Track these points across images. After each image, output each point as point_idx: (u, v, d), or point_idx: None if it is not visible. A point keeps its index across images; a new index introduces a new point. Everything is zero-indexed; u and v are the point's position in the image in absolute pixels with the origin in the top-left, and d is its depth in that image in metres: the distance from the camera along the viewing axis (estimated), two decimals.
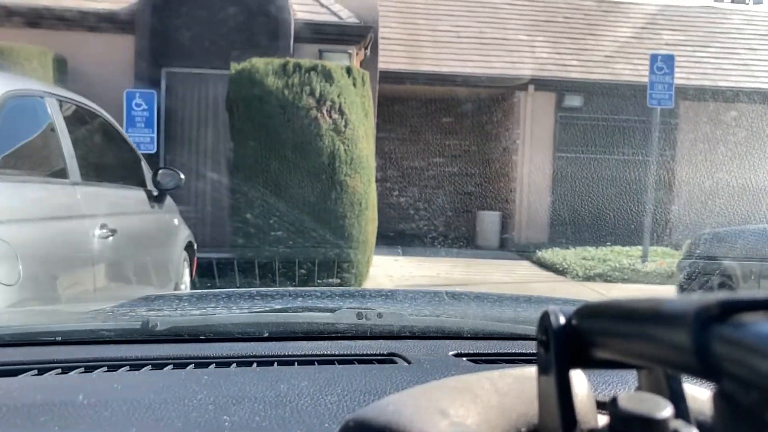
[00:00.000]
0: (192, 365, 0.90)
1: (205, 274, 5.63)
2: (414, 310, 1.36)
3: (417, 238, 9.96)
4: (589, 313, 0.36)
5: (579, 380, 0.38)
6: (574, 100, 10.50)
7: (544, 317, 0.37)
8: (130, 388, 0.79)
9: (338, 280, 6.23)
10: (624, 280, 7.88)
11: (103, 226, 2.98)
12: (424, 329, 1.18)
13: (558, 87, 10.54)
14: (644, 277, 7.88)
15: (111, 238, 3.04)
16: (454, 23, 11.52)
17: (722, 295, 0.28)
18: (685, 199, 9.71)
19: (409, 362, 0.94)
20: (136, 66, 7.01)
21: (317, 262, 6.12)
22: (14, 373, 0.84)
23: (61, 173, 2.83)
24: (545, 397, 0.37)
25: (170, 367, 0.89)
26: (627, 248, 8.95)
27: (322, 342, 1.08)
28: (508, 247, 10.57)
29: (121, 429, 0.65)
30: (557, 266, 8.52)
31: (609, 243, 9.03)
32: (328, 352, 0.98)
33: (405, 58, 10.53)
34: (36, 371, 0.85)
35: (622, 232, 9.11)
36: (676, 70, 8.33)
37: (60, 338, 1.04)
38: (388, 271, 7.70)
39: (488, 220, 10.88)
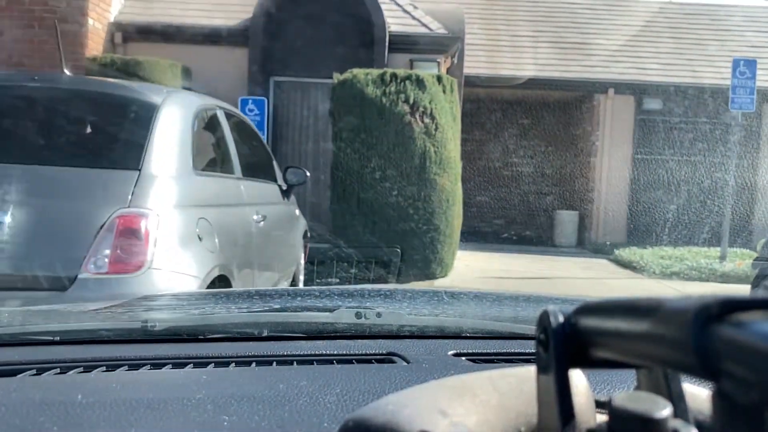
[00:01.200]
0: (191, 365, 0.90)
1: (308, 261, 6.38)
2: (413, 309, 1.36)
3: (497, 235, 10.45)
4: (589, 312, 0.36)
5: (578, 380, 0.38)
6: (653, 103, 10.71)
7: (543, 317, 0.37)
8: (129, 387, 0.78)
9: (426, 271, 6.86)
10: (701, 280, 8.12)
11: (258, 213, 3.72)
12: (423, 329, 1.17)
13: (637, 90, 10.77)
14: (721, 277, 8.09)
15: (262, 223, 3.78)
16: (534, 28, 11.92)
17: (722, 294, 0.28)
18: (766, 202, 9.76)
19: (408, 362, 0.94)
20: (249, 75, 7.88)
21: (408, 253, 6.77)
22: (13, 373, 0.84)
23: (231, 170, 3.58)
24: (544, 396, 0.37)
25: (169, 366, 0.89)
26: (705, 249, 9.13)
27: (320, 341, 1.07)
28: (585, 245, 10.89)
29: (120, 429, 0.65)
30: (634, 264, 8.82)
31: (687, 243, 9.24)
32: (327, 352, 0.98)
33: (486, 63, 11.03)
34: (34, 371, 0.85)
35: (700, 233, 9.30)
36: (759, 72, 8.47)
37: (58, 338, 1.03)
38: (469, 264, 8.25)
39: (566, 220, 11.24)
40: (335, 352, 0.97)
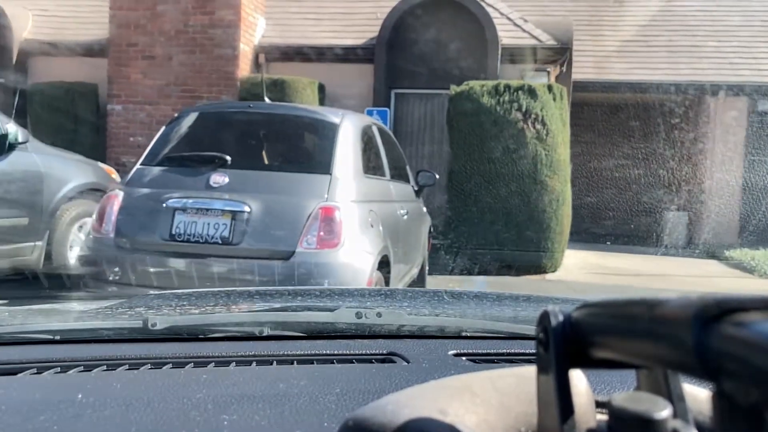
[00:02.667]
0: (191, 364, 0.89)
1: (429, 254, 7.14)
2: (413, 309, 1.36)
3: (605, 235, 10.79)
4: (589, 312, 0.36)
5: (578, 380, 0.38)
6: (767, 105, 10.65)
7: (544, 317, 0.37)
8: (129, 387, 0.78)
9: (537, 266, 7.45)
10: None
11: (402, 208, 4.54)
12: (424, 328, 1.17)
13: (751, 92, 10.74)
14: None
15: (405, 217, 4.60)
16: (643, 32, 12.10)
17: (721, 294, 0.28)
18: None
19: (408, 362, 0.94)
20: (374, 89, 8.79)
21: (520, 249, 7.40)
22: (13, 372, 0.84)
23: (383, 173, 4.42)
24: (544, 396, 0.37)
25: (169, 366, 0.89)
26: None
27: (321, 341, 1.06)
28: (694, 246, 10.98)
29: (120, 428, 0.65)
30: (744, 265, 8.92)
31: None
32: (327, 352, 0.97)
33: (594, 68, 11.36)
34: (35, 370, 0.85)
35: None
36: None
37: (59, 337, 1.03)
38: (578, 261, 8.72)
39: (675, 221, 11.37)
40: (335, 352, 0.97)
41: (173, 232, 3.27)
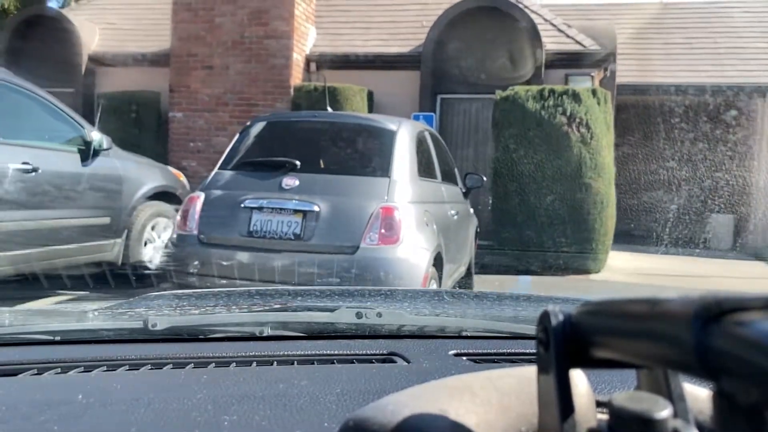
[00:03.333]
0: (191, 365, 0.90)
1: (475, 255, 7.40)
2: (414, 309, 1.36)
3: (649, 237, 10.84)
4: (589, 312, 0.36)
5: (579, 380, 0.38)
6: None
7: (544, 316, 0.37)
8: (130, 387, 0.79)
9: (582, 266, 7.63)
10: None
11: (452, 209, 4.83)
12: (424, 328, 1.17)
13: None
14: None
15: (455, 217, 4.89)
16: (687, 35, 12.10)
17: (722, 293, 0.28)
18: None
19: (408, 362, 0.94)
20: (420, 95, 9.10)
21: (564, 250, 7.59)
22: (13, 373, 0.84)
23: (435, 176, 4.72)
24: (545, 396, 0.37)
25: (169, 366, 0.89)
26: None
27: (321, 341, 1.06)
28: (740, 248, 10.94)
29: (121, 428, 0.65)
30: None
31: None
32: (328, 352, 0.97)
33: (638, 71, 11.43)
34: (35, 371, 0.85)
35: None
36: None
37: (59, 338, 1.03)
38: (622, 262, 8.84)
39: (720, 223, 11.34)
40: (336, 352, 0.97)
41: (251, 229, 3.65)
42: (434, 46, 9.02)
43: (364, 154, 4.03)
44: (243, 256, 3.59)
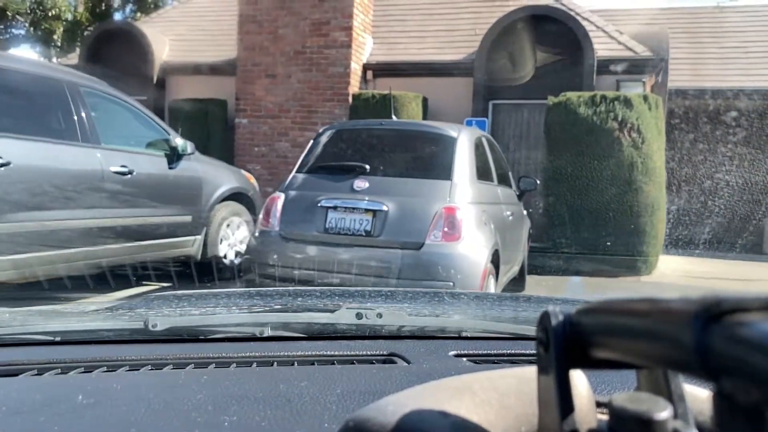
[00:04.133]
0: (191, 365, 0.90)
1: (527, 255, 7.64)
2: (414, 310, 1.37)
3: (701, 241, 10.84)
4: (589, 312, 0.36)
5: (579, 380, 0.38)
6: None
7: (544, 317, 0.37)
8: (130, 388, 0.79)
9: (632, 269, 7.79)
10: None
11: (507, 210, 5.14)
12: (424, 329, 1.18)
13: None
14: None
15: (510, 218, 5.19)
16: (742, 39, 12.02)
17: (723, 294, 0.28)
18: None
19: (408, 362, 0.94)
20: (473, 100, 9.40)
21: (615, 252, 7.77)
22: (14, 374, 0.85)
23: (491, 179, 5.03)
24: (545, 396, 0.37)
25: (170, 367, 0.89)
26: None
27: (321, 342, 1.07)
28: None
29: (121, 429, 0.65)
30: None
31: None
32: (328, 353, 0.98)
33: (691, 76, 11.44)
34: (35, 371, 0.86)
35: None
36: None
37: (59, 338, 1.04)
38: (673, 265, 8.92)
39: None
40: (336, 353, 0.97)
41: (327, 226, 4.05)
42: (487, 53, 9.31)
43: (428, 158, 4.38)
44: (320, 250, 3.99)
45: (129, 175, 4.82)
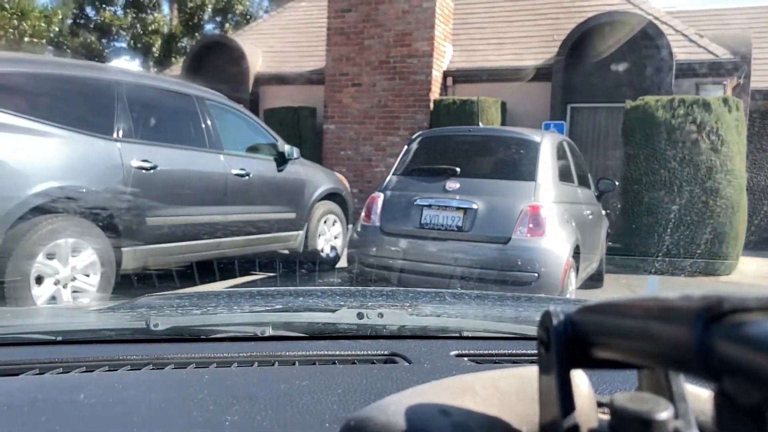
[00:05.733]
0: (193, 365, 0.90)
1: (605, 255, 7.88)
2: (415, 309, 1.37)
3: None
4: (590, 312, 0.36)
5: (580, 380, 0.38)
6: None
7: (545, 317, 0.37)
8: (131, 387, 0.79)
9: (709, 269, 7.90)
10: None
11: (587, 210, 5.50)
12: (425, 329, 1.18)
13: None
14: None
15: (590, 217, 5.55)
16: None
17: (725, 293, 0.28)
18: None
19: (409, 362, 0.94)
20: (551, 104, 9.72)
21: (693, 253, 7.90)
22: (15, 373, 0.85)
23: (572, 180, 5.41)
24: (546, 396, 0.37)
25: (171, 366, 0.89)
26: None
27: (322, 342, 1.07)
28: None
29: (122, 428, 0.65)
30: None
31: None
32: (329, 352, 0.98)
33: None
34: (37, 371, 0.86)
35: None
36: None
37: (61, 338, 1.04)
38: (754, 267, 8.90)
39: None
40: (337, 353, 0.98)
41: (422, 222, 4.57)
42: (565, 58, 9.60)
43: (513, 161, 4.83)
44: (416, 243, 4.52)
45: (246, 177, 5.51)
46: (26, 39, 14.52)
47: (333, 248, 6.82)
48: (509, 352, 1.02)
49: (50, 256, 3.83)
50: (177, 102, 5.09)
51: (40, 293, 3.78)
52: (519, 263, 4.28)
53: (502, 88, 9.92)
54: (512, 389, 0.42)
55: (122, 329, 1.15)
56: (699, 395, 0.40)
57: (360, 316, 1.13)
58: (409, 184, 4.82)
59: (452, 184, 4.63)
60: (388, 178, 5.02)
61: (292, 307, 1.43)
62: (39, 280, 3.79)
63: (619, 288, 6.82)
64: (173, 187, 4.73)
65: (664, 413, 0.31)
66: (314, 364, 0.93)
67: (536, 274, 4.26)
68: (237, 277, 5.84)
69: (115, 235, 4.22)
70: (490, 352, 1.02)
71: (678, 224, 7.97)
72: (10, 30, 14.07)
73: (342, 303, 1.37)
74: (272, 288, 2.90)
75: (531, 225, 4.36)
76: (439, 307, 1.49)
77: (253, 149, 5.92)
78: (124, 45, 19.94)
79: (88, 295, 4.04)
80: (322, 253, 6.66)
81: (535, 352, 0.38)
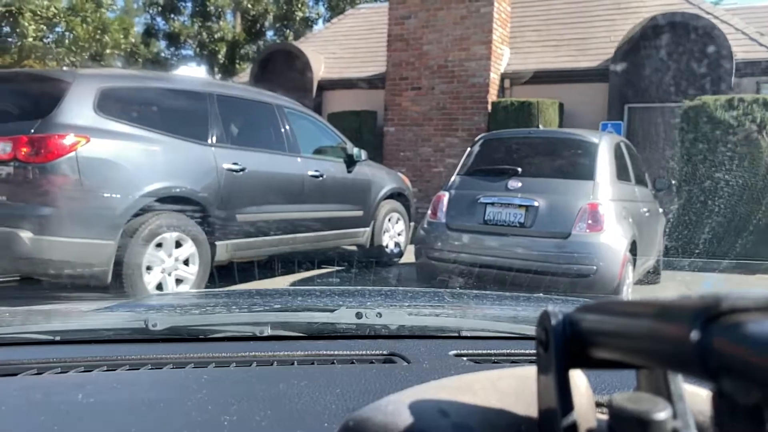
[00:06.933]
0: (191, 365, 0.90)
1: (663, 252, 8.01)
2: (414, 309, 1.37)
3: None
4: (589, 312, 0.36)
5: (578, 380, 0.38)
6: None
7: (544, 317, 0.37)
8: (130, 387, 0.79)
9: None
10: None
11: (644, 207, 5.71)
12: (424, 329, 1.17)
13: None
14: None
15: (646, 215, 5.76)
16: None
17: (722, 293, 0.28)
18: None
19: (408, 362, 0.94)
20: (608, 105, 9.86)
21: (752, 252, 7.94)
22: (14, 373, 0.85)
23: (629, 179, 5.63)
24: (545, 396, 0.37)
25: (170, 366, 0.89)
26: None
27: (321, 341, 1.07)
28: None
29: (121, 428, 0.65)
30: None
31: None
32: (328, 352, 0.98)
33: None
34: (35, 371, 0.86)
35: None
36: None
37: (59, 338, 1.04)
38: None
39: None
40: (336, 352, 0.98)
41: (486, 219, 4.92)
42: (623, 59, 9.73)
43: (572, 162, 5.11)
44: (480, 238, 4.87)
45: (320, 178, 5.97)
46: (107, 51, 15.60)
47: (397, 244, 7.23)
48: (508, 351, 1.02)
49: (158, 248, 4.37)
50: (260, 110, 5.59)
51: (149, 280, 4.33)
52: (578, 257, 4.57)
53: (559, 89, 10.12)
54: (511, 389, 0.42)
55: (121, 329, 1.14)
56: (698, 395, 0.40)
57: (359, 315, 1.12)
58: (473, 184, 5.17)
59: (514, 183, 4.95)
60: (452, 178, 5.39)
61: (291, 307, 1.43)
62: (148, 268, 4.33)
63: (676, 285, 6.97)
64: (258, 187, 5.22)
65: (663, 413, 0.31)
66: (313, 364, 0.93)
67: (594, 267, 4.54)
68: (306, 271, 6.31)
69: (210, 230, 4.74)
70: (488, 351, 1.02)
71: (736, 223, 8.01)
72: (94, 43, 15.17)
73: (341, 303, 1.37)
74: (271, 288, 2.85)
75: (590, 221, 4.64)
76: (438, 307, 1.49)
77: (325, 152, 6.38)
78: (190, 52, 20.97)
79: (188, 283, 4.56)
80: (386, 249, 7.07)
81: (534, 351, 0.38)
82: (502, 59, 10.56)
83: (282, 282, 5.71)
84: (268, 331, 1.09)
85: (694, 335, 0.27)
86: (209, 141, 4.87)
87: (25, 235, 3.79)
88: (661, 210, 6.98)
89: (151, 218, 4.32)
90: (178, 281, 4.53)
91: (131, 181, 4.22)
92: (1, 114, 4.18)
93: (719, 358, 0.26)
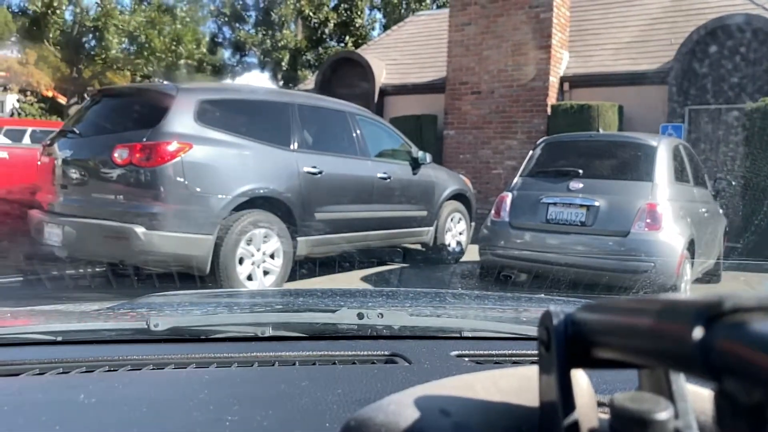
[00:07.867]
0: (193, 365, 0.90)
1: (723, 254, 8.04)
2: (415, 310, 1.36)
3: None
4: (590, 312, 0.36)
5: (580, 380, 0.38)
6: None
7: (546, 317, 0.37)
8: (131, 388, 0.80)
9: None
10: None
11: (702, 208, 5.88)
12: (425, 329, 1.17)
13: None
14: None
15: (705, 215, 5.91)
16: None
17: (725, 293, 0.28)
18: None
19: (410, 362, 0.95)
20: (668, 107, 9.92)
21: None
22: (15, 373, 0.85)
23: (688, 180, 5.80)
24: (546, 396, 0.37)
25: (171, 367, 0.89)
26: None
27: (322, 342, 1.07)
28: None
29: (122, 429, 0.66)
30: None
31: None
32: (329, 353, 0.98)
33: None
34: (37, 371, 0.86)
35: None
36: None
37: (61, 338, 1.05)
38: None
39: None
40: (337, 353, 0.98)
41: (548, 218, 5.22)
42: (683, 61, 9.78)
43: (632, 164, 5.35)
44: (542, 236, 5.18)
45: (388, 180, 6.38)
46: (182, 61, 16.57)
47: (458, 243, 7.57)
48: (510, 352, 1.02)
49: (248, 242, 4.87)
50: (335, 117, 6.06)
51: (241, 271, 4.83)
52: (637, 254, 4.82)
53: (618, 92, 10.23)
54: (512, 389, 0.42)
55: (122, 329, 1.15)
56: (699, 395, 0.39)
57: (360, 316, 1.12)
58: (535, 185, 5.48)
59: (575, 184, 5.23)
60: (515, 180, 5.70)
61: (292, 307, 1.42)
62: (240, 261, 4.83)
63: (737, 285, 7.04)
64: (334, 189, 5.68)
65: (664, 413, 0.31)
66: (314, 364, 0.93)
67: (653, 264, 4.78)
68: (377, 266, 6.74)
69: (292, 227, 5.22)
70: (490, 352, 1.02)
71: None
72: (169, 54, 16.14)
73: (342, 303, 1.37)
74: (272, 288, 2.75)
75: (648, 220, 4.88)
76: (439, 308, 1.49)
77: (392, 155, 6.80)
78: (254, 60, 21.86)
79: (273, 274, 5.05)
80: (449, 248, 7.42)
81: (536, 352, 0.39)
82: (561, 63, 10.74)
83: (355, 276, 6.15)
84: (269, 332, 1.09)
85: (697, 334, 0.27)
86: (292, 147, 5.35)
87: (140, 230, 4.34)
88: (721, 211, 7.08)
89: (244, 216, 4.82)
90: (265, 273, 5.02)
91: (227, 182, 4.73)
92: (118, 124, 4.77)
93: (721, 358, 0.26)
